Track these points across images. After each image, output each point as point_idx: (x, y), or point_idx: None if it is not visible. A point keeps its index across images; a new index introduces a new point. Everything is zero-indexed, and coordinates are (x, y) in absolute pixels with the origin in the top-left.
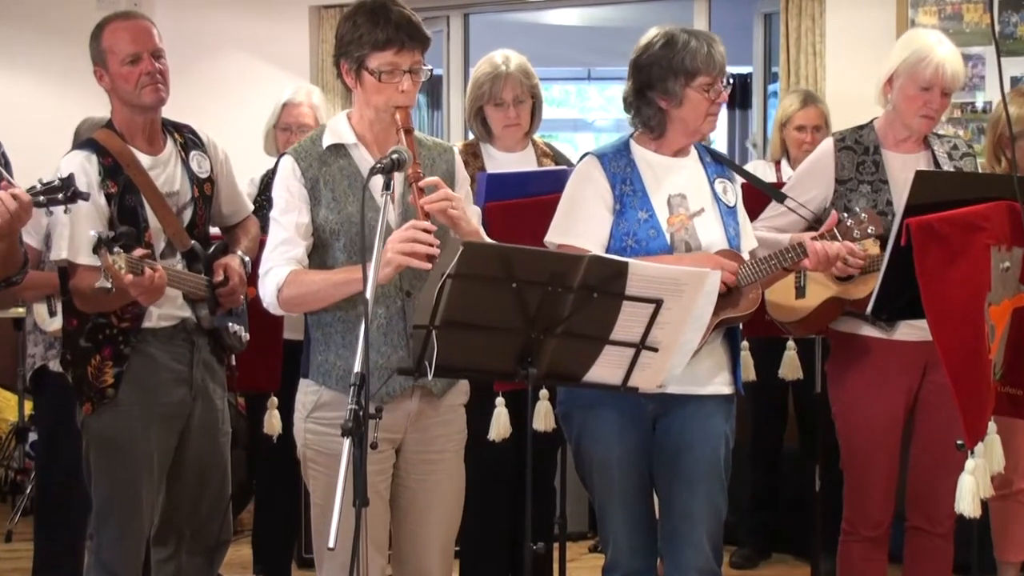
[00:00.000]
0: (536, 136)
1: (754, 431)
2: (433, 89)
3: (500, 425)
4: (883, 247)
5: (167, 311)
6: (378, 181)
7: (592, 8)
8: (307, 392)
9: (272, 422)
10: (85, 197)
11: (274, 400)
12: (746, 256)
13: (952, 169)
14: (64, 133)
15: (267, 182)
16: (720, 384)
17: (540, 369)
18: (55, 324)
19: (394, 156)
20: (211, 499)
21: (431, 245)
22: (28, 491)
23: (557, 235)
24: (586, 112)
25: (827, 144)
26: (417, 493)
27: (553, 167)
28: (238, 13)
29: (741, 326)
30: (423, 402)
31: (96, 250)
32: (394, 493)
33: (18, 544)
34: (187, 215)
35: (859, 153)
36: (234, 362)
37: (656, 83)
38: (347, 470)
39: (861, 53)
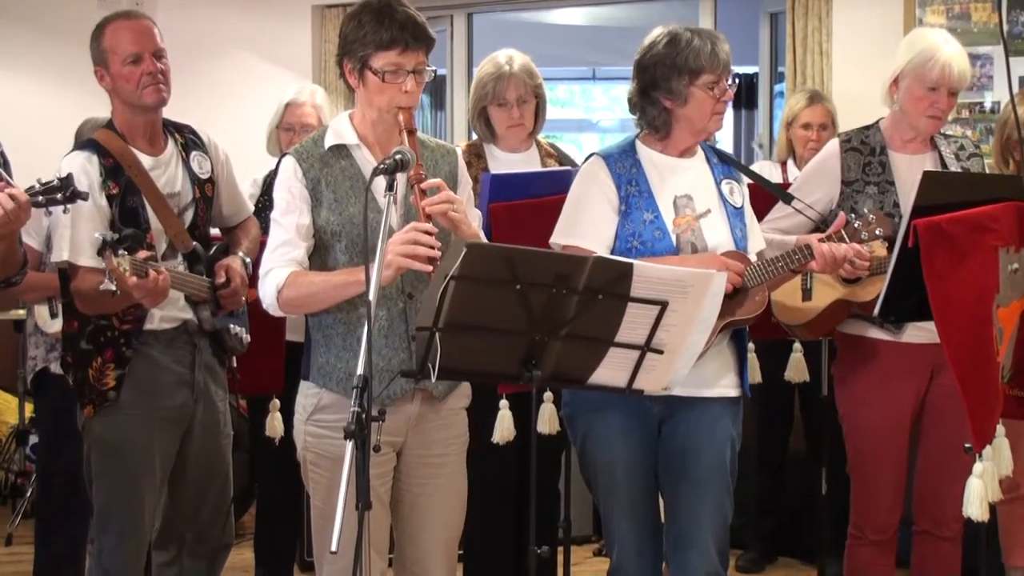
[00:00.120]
0: (540, 137)
1: (760, 434)
2: (437, 89)
3: (504, 428)
4: (890, 249)
5: (169, 313)
6: (380, 182)
7: (597, 7)
8: (307, 394)
9: (274, 424)
10: (84, 197)
11: (276, 403)
12: (753, 258)
13: (959, 170)
14: (65, 133)
15: (270, 182)
16: (727, 386)
17: (544, 371)
18: (56, 326)
19: (397, 157)
20: (213, 502)
21: (432, 247)
22: (28, 494)
23: (562, 236)
24: (591, 112)
25: (833, 145)
26: (418, 497)
27: (557, 168)
28: (240, 12)
29: (748, 328)
30: (424, 405)
31: (101, 252)
32: (395, 497)
33: (18, 548)
34: (188, 216)
35: (865, 154)
36: (235, 364)
37: (660, 82)
38: (349, 473)
39: (868, 53)
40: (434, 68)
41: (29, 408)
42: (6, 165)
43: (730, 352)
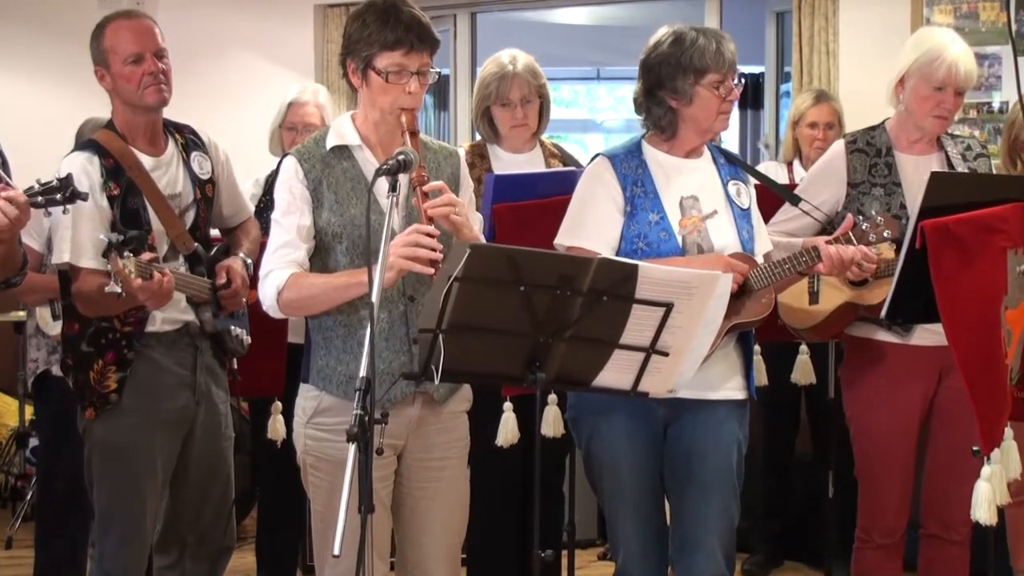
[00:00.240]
0: (544, 137)
1: (766, 436)
2: (440, 89)
3: (508, 430)
4: (898, 251)
5: (170, 315)
6: (382, 184)
7: (601, 7)
8: (307, 397)
9: (276, 427)
10: (84, 197)
11: (278, 405)
12: (760, 259)
13: (966, 170)
14: (65, 134)
15: (272, 182)
16: (733, 389)
17: (549, 374)
18: (58, 328)
19: (400, 158)
20: (214, 505)
21: (434, 250)
22: (29, 497)
23: (566, 237)
24: (595, 112)
25: (838, 146)
26: (419, 501)
27: (561, 168)
28: (242, 12)
29: (754, 330)
30: (425, 408)
31: (106, 255)
32: (396, 501)
33: (19, 551)
34: (190, 217)
35: (871, 155)
36: (235, 366)
37: (666, 82)
38: (352, 475)
39: (875, 52)
40: (438, 70)
41: (29, 411)
42: (5, 165)
43: (736, 354)
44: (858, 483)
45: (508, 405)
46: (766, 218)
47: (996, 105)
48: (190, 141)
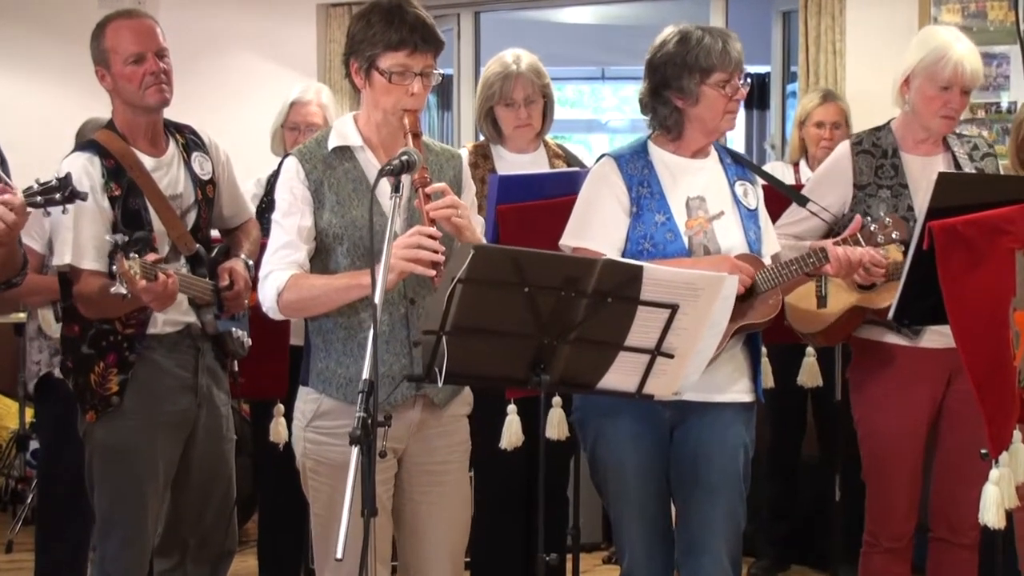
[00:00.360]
0: (548, 137)
1: (772, 439)
2: (443, 89)
3: (512, 433)
4: (906, 253)
5: (172, 316)
6: (384, 186)
7: (606, 6)
8: (307, 400)
9: (279, 430)
10: (83, 197)
11: (280, 407)
12: (767, 261)
13: (973, 170)
14: (65, 134)
15: (274, 182)
16: (740, 392)
17: (553, 376)
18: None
19: (404, 158)
20: (216, 508)
21: (436, 252)
22: (29, 500)
23: (572, 238)
24: (600, 113)
25: (844, 148)
26: (420, 505)
27: (566, 169)
28: (244, 11)
29: (761, 332)
30: (425, 412)
31: (112, 256)
32: (397, 506)
33: (19, 554)
34: (191, 218)
35: (877, 156)
36: (236, 368)
37: (671, 81)
38: (355, 478)
39: (882, 52)
40: (441, 72)
41: (29, 413)
42: (4, 165)
43: (743, 357)
44: (866, 486)
45: (512, 408)
46: (772, 220)
47: (1005, 105)
48: (191, 141)
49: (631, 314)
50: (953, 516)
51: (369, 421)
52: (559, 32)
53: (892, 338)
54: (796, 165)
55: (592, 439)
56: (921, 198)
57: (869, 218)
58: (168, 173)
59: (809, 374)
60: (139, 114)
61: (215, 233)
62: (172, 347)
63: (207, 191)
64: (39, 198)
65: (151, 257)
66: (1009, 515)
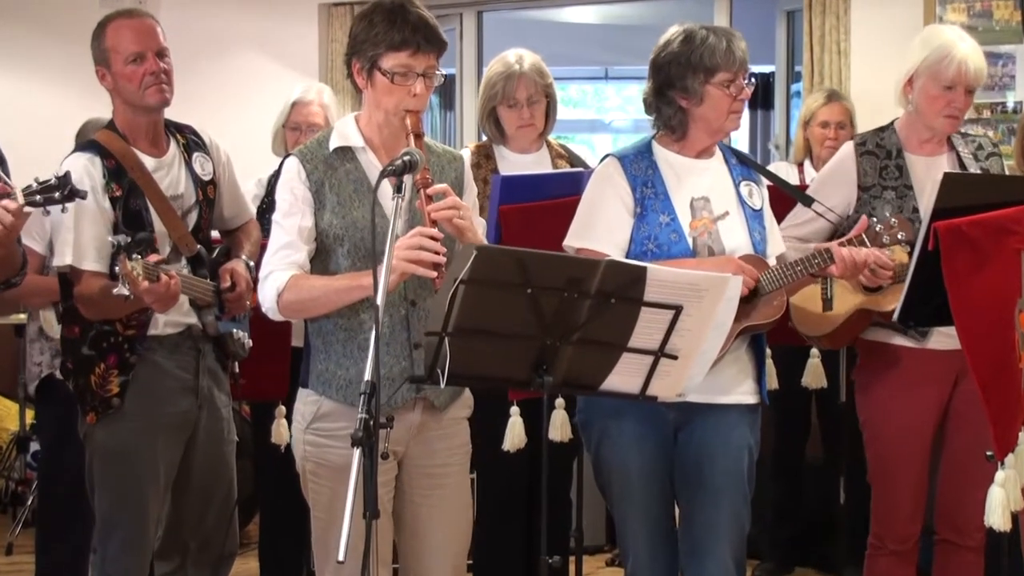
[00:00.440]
0: (551, 137)
1: (776, 441)
2: (446, 89)
3: (515, 435)
4: (911, 254)
5: (173, 318)
6: (385, 187)
7: (609, 5)
8: (306, 402)
9: (280, 431)
10: (83, 195)
11: (282, 409)
12: (772, 261)
13: (978, 170)
14: (65, 134)
15: (274, 183)
16: (744, 393)
17: (556, 377)
18: None
19: (406, 158)
20: (217, 510)
21: (437, 253)
22: (29, 502)
23: (575, 239)
24: (603, 113)
25: (847, 148)
26: (421, 508)
27: (569, 169)
28: (245, 10)
29: (765, 333)
30: (425, 414)
31: (115, 256)
32: (398, 508)
33: (19, 557)
34: (192, 219)
35: (881, 158)
36: (237, 369)
37: (676, 81)
38: (357, 480)
39: (887, 51)
40: (444, 73)
41: (30, 415)
42: (4, 165)
43: (748, 358)
44: (871, 488)
45: (515, 409)
46: (777, 221)
47: (1010, 105)
48: (191, 142)
49: (635, 315)
50: (959, 518)
51: (371, 423)
52: (562, 32)
53: (899, 340)
54: (800, 165)
55: (596, 441)
56: (926, 199)
57: (875, 219)
58: (169, 173)
59: (813, 375)
60: (140, 114)
61: (215, 234)
62: (173, 348)
63: (208, 192)
64: (38, 197)
65: (153, 258)
66: (1015, 517)
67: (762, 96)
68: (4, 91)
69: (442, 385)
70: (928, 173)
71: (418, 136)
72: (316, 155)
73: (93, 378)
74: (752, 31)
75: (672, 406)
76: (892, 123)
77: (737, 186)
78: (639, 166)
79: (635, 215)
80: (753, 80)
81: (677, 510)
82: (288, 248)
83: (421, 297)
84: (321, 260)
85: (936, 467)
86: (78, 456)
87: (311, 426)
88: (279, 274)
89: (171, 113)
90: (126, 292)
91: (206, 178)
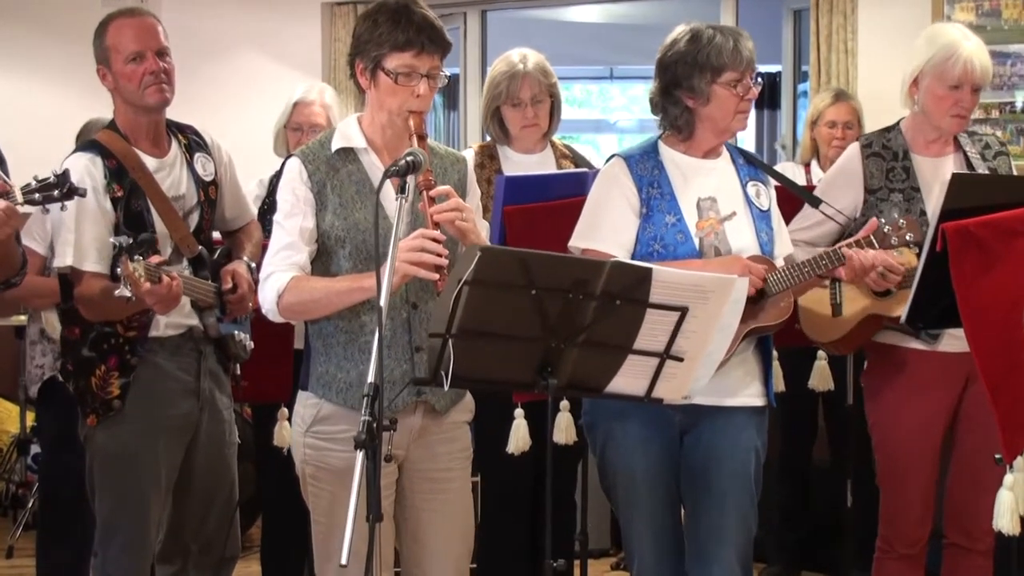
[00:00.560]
0: (555, 138)
1: (783, 444)
2: (450, 89)
3: (519, 437)
4: (920, 255)
5: (174, 319)
6: (388, 189)
7: (614, 5)
8: (306, 405)
9: (283, 434)
10: (82, 193)
11: (284, 411)
12: (780, 262)
13: (986, 170)
14: (65, 134)
15: (276, 183)
16: (751, 395)
17: (561, 379)
18: None
19: (410, 159)
20: (218, 513)
21: (440, 255)
22: (30, 505)
23: (581, 239)
24: (608, 112)
25: (853, 149)
26: (423, 513)
27: (573, 169)
28: (247, 10)
29: (772, 335)
30: (426, 418)
31: (117, 258)
32: (399, 513)
33: (20, 560)
34: (194, 219)
35: (888, 159)
36: (239, 371)
37: (682, 81)
38: (360, 483)
39: (895, 51)
40: (447, 73)
41: (30, 417)
42: (4, 165)
43: (755, 360)
44: (879, 491)
45: (519, 412)
46: (784, 222)
47: (1019, 105)
48: (193, 142)
49: (640, 317)
50: (968, 522)
51: (375, 425)
52: (566, 31)
53: (910, 343)
54: (807, 166)
55: (601, 443)
56: (934, 201)
57: (883, 220)
58: (171, 174)
59: (820, 378)
60: (141, 114)
61: (216, 235)
62: (174, 350)
63: (210, 192)
64: (37, 195)
65: (155, 259)
66: None
67: (769, 96)
68: (4, 91)
69: (446, 387)
70: (935, 174)
71: (421, 137)
72: (318, 156)
73: (93, 380)
74: (759, 30)
75: (678, 408)
76: (898, 123)
77: (744, 186)
78: (645, 166)
79: (641, 215)
80: (760, 80)
81: (683, 513)
82: (289, 249)
83: (423, 300)
84: (322, 262)
85: (945, 470)
86: (79, 459)
87: (311, 429)
88: (280, 275)
89: (172, 113)
90: (128, 293)
91: (208, 179)
